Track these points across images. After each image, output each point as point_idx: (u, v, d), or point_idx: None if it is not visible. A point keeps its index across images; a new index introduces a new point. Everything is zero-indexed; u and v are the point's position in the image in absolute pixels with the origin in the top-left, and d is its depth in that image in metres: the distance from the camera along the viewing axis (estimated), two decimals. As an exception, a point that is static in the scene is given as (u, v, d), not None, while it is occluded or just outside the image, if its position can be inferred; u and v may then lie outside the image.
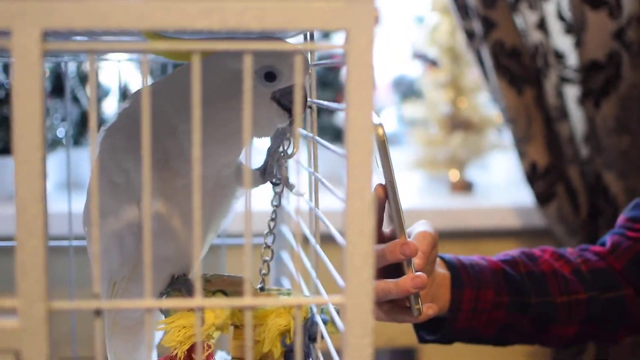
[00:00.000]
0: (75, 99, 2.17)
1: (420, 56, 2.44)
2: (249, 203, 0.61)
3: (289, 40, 1.05)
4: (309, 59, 0.97)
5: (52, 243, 1.02)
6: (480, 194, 2.24)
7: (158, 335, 0.97)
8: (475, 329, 1.11)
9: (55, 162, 2.13)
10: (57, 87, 2.14)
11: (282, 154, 0.97)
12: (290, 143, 0.97)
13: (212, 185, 0.96)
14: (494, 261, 1.15)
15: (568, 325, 1.15)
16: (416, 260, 0.98)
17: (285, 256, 1.27)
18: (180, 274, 0.99)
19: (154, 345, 1.02)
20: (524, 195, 2.07)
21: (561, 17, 1.90)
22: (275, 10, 0.55)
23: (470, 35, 1.93)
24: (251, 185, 0.99)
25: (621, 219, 1.24)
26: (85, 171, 2.13)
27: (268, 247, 1.04)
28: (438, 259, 1.10)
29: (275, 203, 1.03)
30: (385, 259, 0.96)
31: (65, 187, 2.14)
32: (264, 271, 1.04)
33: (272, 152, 0.97)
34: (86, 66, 2.14)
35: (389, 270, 0.98)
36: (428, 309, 1.01)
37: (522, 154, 1.92)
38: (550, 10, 1.90)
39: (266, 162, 0.98)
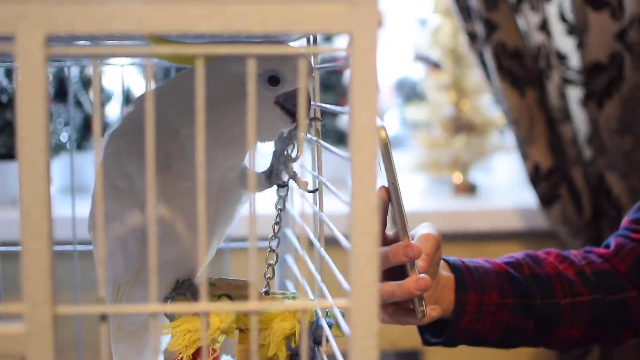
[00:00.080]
0: (78, 104, 2.18)
1: (422, 58, 2.44)
2: (253, 207, 0.61)
3: (292, 43, 1.05)
4: (312, 62, 0.97)
5: (56, 248, 1.02)
6: (484, 196, 2.24)
7: (164, 339, 0.97)
8: (479, 331, 1.11)
9: (58, 166, 2.13)
10: (60, 91, 2.14)
11: (288, 157, 0.97)
12: (294, 146, 0.97)
13: (217, 189, 0.96)
14: (498, 264, 1.14)
15: (572, 327, 1.15)
16: (420, 263, 0.98)
17: (290, 260, 1.27)
18: (185, 278, 0.99)
19: (160, 349, 1.01)
20: (527, 197, 2.07)
21: (563, 19, 1.90)
22: (278, 14, 0.55)
23: (472, 37, 1.93)
24: (256, 189, 0.99)
25: (625, 220, 1.24)
26: (89, 176, 2.13)
27: (272, 250, 1.04)
28: (442, 262, 1.10)
29: (279, 206, 1.03)
30: (388, 262, 0.96)
31: (68, 191, 2.14)
32: (268, 275, 1.04)
33: (278, 155, 0.97)
34: (89, 70, 2.14)
35: (393, 272, 0.98)
36: (432, 311, 1.01)
37: (525, 156, 1.92)
38: (552, 11, 1.90)
39: (272, 166, 0.98)
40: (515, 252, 1.19)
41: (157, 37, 0.86)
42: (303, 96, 0.61)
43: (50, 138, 0.54)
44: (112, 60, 1.32)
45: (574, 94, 1.93)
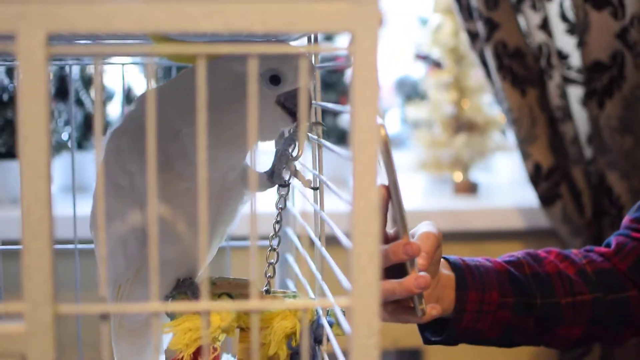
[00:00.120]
0: (79, 102, 2.18)
1: (423, 57, 2.44)
2: (254, 205, 0.61)
3: (293, 42, 1.05)
4: (313, 61, 0.97)
5: (57, 246, 1.02)
6: (485, 195, 2.24)
7: (165, 338, 0.97)
8: (479, 330, 1.11)
9: (59, 165, 2.13)
10: (61, 90, 2.14)
11: (289, 157, 0.97)
12: (295, 146, 0.97)
13: (218, 189, 0.96)
14: (499, 262, 1.14)
15: (573, 326, 1.15)
16: (420, 261, 0.98)
17: (291, 259, 1.27)
18: (186, 277, 0.99)
19: (161, 348, 1.02)
20: (528, 196, 2.07)
21: (564, 18, 1.90)
22: (279, 13, 0.55)
23: (473, 36, 1.93)
24: (258, 189, 0.99)
25: (626, 219, 1.24)
26: (90, 174, 2.13)
27: (273, 249, 1.05)
28: (443, 260, 1.10)
29: (280, 205, 1.03)
30: (388, 260, 0.96)
31: (69, 190, 2.14)
32: (269, 274, 1.04)
33: (279, 155, 0.97)
34: (90, 69, 2.14)
35: (393, 270, 0.98)
36: (432, 310, 1.01)
37: (526, 155, 1.92)
38: (553, 10, 1.90)
39: (274, 165, 0.98)
40: (515, 251, 1.19)
41: (158, 35, 0.86)
42: (304, 96, 0.61)
43: (51, 137, 0.54)
44: (113, 59, 1.32)
45: (575, 93, 1.93)
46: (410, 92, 2.54)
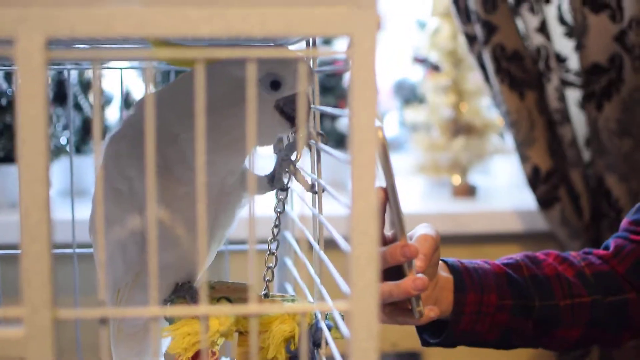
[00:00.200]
0: (78, 107, 2.18)
1: (421, 60, 2.44)
2: (253, 209, 0.61)
3: (291, 46, 1.05)
4: (312, 65, 0.97)
5: (56, 251, 1.02)
6: (483, 198, 2.24)
7: (164, 342, 0.97)
8: (478, 332, 1.11)
9: (58, 169, 2.13)
10: (59, 94, 2.14)
11: (289, 161, 0.97)
12: (294, 150, 0.97)
13: (216, 193, 0.96)
14: (497, 265, 1.14)
15: (571, 328, 1.15)
16: (417, 263, 0.98)
17: (289, 262, 1.27)
18: (184, 281, 0.99)
19: (160, 352, 1.02)
20: (526, 199, 2.07)
21: (562, 21, 1.90)
22: (278, 17, 0.55)
23: (471, 39, 1.93)
24: (257, 192, 1.00)
25: (625, 222, 1.24)
26: (88, 179, 2.13)
27: (272, 253, 1.05)
28: (441, 263, 1.10)
29: (279, 209, 1.03)
30: (386, 262, 0.96)
31: (68, 194, 2.14)
32: (268, 278, 1.04)
33: (280, 161, 0.97)
34: (88, 74, 2.14)
35: (391, 272, 0.98)
36: (430, 312, 1.01)
37: (524, 158, 1.92)
38: (551, 13, 1.90)
39: (274, 170, 0.98)
40: (514, 254, 1.19)
41: (158, 39, 0.86)
42: (302, 101, 0.61)
43: (50, 141, 0.54)
44: (112, 64, 1.32)
45: (573, 96, 1.93)
46: (409, 96, 2.54)
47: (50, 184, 0.55)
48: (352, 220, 0.56)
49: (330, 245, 0.84)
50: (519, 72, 1.88)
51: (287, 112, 0.91)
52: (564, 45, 1.91)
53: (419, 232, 1.03)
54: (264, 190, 1.00)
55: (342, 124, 2.29)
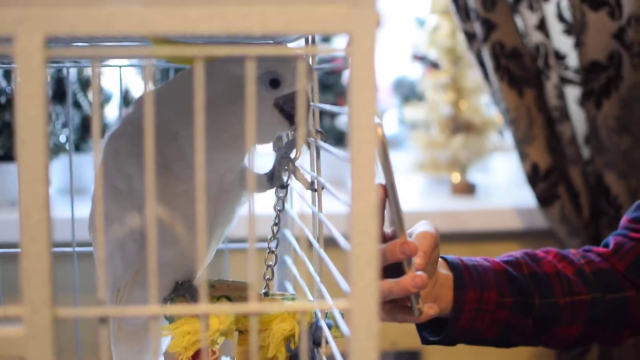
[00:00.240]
0: (77, 105, 2.17)
1: (420, 58, 2.44)
2: (253, 208, 0.61)
3: (290, 44, 1.05)
4: (311, 62, 0.97)
5: (55, 249, 1.02)
6: (482, 195, 2.24)
7: (164, 341, 0.97)
8: (478, 329, 1.11)
9: (57, 168, 2.13)
10: (58, 92, 2.14)
11: (289, 159, 0.97)
12: (293, 148, 0.97)
13: (216, 191, 0.96)
14: (497, 262, 1.14)
15: (571, 326, 1.15)
16: (417, 260, 0.97)
17: (289, 261, 1.27)
18: (184, 280, 0.99)
19: (160, 351, 1.02)
20: (525, 197, 2.07)
21: (561, 18, 1.90)
22: (278, 15, 0.55)
23: (470, 36, 1.93)
24: (257, 190, 1.00)
25: (624, 220, 1.24)
26: (88, 177, 2.13)
27: (272, 251, 1.05)
28: (440, 260, 1.10)
29: (278, 208, 1.03)
30: (385, 259, 0.96)
31: (67, 193, 2.14)
32: (267, 276, 1.04)
33: (280, 159, 0.97)
34: (87, 72, 2.14)
35: (390, 270, 0.97)
36: (429, 309, 1.01)
37: (523, 156, 1.92)
38: (550, 11, 1.90)
39: (274, 168, 0.98)
40: (514, 251, 1.19)
41: (157, 37, 0.86)
42: (302, 99, 0.61)
43: (49, 139, 0.54)
44: (111, 62, 1.32)
45: (572, 94, 1.93)
46: (408, 93, 2.54)
47: (49, 183, 0.55)
48: (352, 219, 0.56)
49: (330, 243, 0.84)
50: (518, 70, 1.87)
51: (286, 110, 0.91)
52: (563, 42, 1.91)
53: (418, 229, 1.03)
54: (263, 188, 1.00)
55: (342, 121, 2.29)
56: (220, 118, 0.89)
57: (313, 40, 0.99)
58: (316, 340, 0.94)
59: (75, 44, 1.01)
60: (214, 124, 0.87)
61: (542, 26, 1.87)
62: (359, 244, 0.57)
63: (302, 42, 1.04)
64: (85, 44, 1.03)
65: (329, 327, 0.93)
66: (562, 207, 1.91)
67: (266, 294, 1.04)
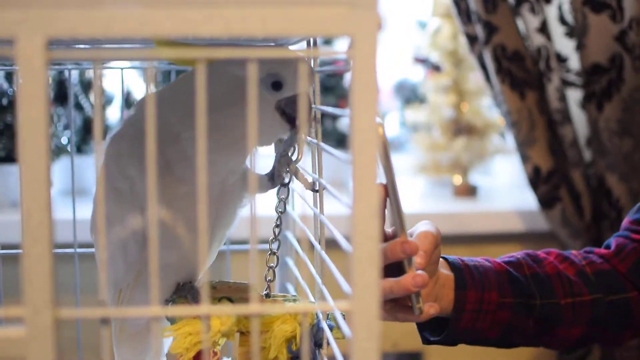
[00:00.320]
0: (79, 107, 2.18)
1: (422, 60, 2.44)
2: (254, 209, 0.61)
3: (292, 46, 1.05)
4: (313, 65, 0.97)
5: (57, 251, 1.02)
6: (484, 198, 2.24)
7: (166, 342, 0.97)
8: (479, 330, 1.11)
9: (59, 169, 2.13)
10: (60, 94, 2.14)
11: (289, 159, 0.97)
12: (295, 149, 0.97)
13: (217, 192, 0.96)
14: (498, 263, 1.14)
15: (572, 327, 1.15)
16: (418, 260, 0.97)
17: (290, 262, 1.27)
18: (185, 281, 0.99)
19: (162, 352, 1.02)
20: (527, 199, 2.07)
21: (563, 21, 1.90)
22: (279, 17, 0.55)
23: (472, 39, 1.93)
24: (259, 190, 1.00)
25: (626, 221, 1.24)
26: (89, 178, 2.13)
27: (273, 253, 1.05)
28: (442, 260, 1.10)
29: (280, 209, 1.03)
30: (386, 258, 0.96)
31: (69, 194, 2.14)
32: (269, 277, 1.04)
33: (279, 157, 0.97)
34: (89, 73, 2.14)
35: (391, 269, 0.97)
36: (430, 308, 1.01)
37: (525, 158, 1.92)
38: (552, 13, 1.90)
39: (274, 167, 0.98)
40: (515, 252, 1.19)
41: (161, 38, 0.86)
42: (304, 101, 0.61)
43: (51, 141, 0.54)
44: (112, 64, 1.32)
45: (574, 96, 1.93)
46: (410, 96, 2.54)
47: (51, 184, 0.55)
48: (353, 220, 0.56)
49: (331, 245, 0.84)
50: (520, 72, 1.88)
51: (288, 112, 0.91)
52: (564, 45, 1.91)
53: (419, 229, 1.03)
54: (265, 188, 1.00)
55: (343, 124, 2.29)
56: (222, 120, 0.89)
57: (315, 43, 0.99)
58: (317, 342, 0.95)
59: (76, 46, 1.01)
60: (215, 125, 0.87)
61: (543, 29, 1.87)
62: (361, 245, 0.57)
63: (303, 44, 1.04)
64: (87, 46, 1.03)
65: (331, 328, 0.93)
66: (563, 210, 1.91)
67: (267, 296, 1.04)
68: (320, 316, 0.95)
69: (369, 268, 0.57)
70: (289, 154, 0.97)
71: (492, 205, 2.16)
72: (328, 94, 2.28)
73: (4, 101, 1.98)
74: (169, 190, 0.92)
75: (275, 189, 1.02)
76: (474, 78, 2.23)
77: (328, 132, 2.29)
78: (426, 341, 1.14)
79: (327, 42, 2.21)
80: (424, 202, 2.23)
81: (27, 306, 0.55)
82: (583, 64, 1.83)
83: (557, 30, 1.90)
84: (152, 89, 0.60)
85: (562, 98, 1.89)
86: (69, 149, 2.00)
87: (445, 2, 2.19)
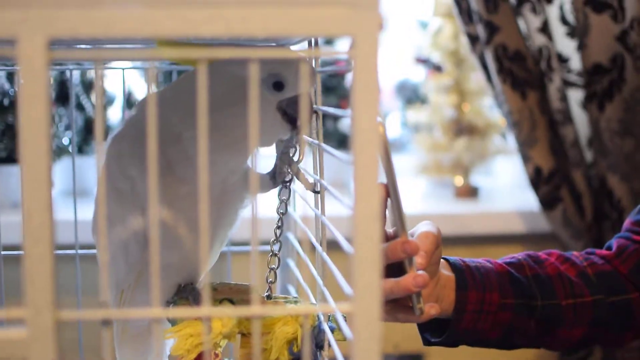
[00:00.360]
0: (80, 107, 2.18)
1: (423, 61, 2.44)
2: (256, 210, 0.61)
3: (293, 47, 1.05)
4: (314, 65, 0.97)
5: (58, 252, 1.02)
6: (485, 198, 2.24)
7: (168, 343, 0.97)
8: (480, 330, 1.11)
9: (60, 170, 2.13)
10: (61, 94, 2.14)
11: (291, 158, 0.97)
12: (296, 150, 0.97)
13: (218, 193, 0.96)
14: (499, 264, 1.14)
15: (574, 328, 1.15)
16: (418, 260, 0.97)
17: (292, 264, 1.27)
18: (187, 283, 0.99)
19: (163, 353, 1.02)
20: (528, 200, 2.07)
21: (564, 21, 1.90)
22: (280, 17, 0.55)
23: (473, 39, 1.93)
24: (261, 190, 1.00)
25: (627, 222, 1.24)
26: (91, 179, 2.13)
27: (274, 254, 1.04)
28: (443, 261, 1.09)
29: (281, 210, 1.03)
30: (387, 258, 0.96)
31: (70, 195, 2.14)
32: (270, 279, 1.04)
33: (281, 155, 0.97)
34: (90, 74, 2.14)
35: (392, 269, 0.97)
36: (430, 309, 1.01)
37: (526, 158, 1.92)
38: (553, 13, 1.90)
39: (276, 166, 0.98)
40: (516, 253, 1.19)
41: (162, 38, 0.86)
42: (305, 102, 0.61)
43: (52, 141, 0.54)
44: (114, 64, 1.32)
45: (575, 96, 1.93)
46: (411, 96, 2.53)
47: (52, 185, 0.55)
48: (354, 222, 0.56)
49: (332, 246, 0.84)
50: (521, 72, 1.87)
51: (289, 113, 0.91)
52: (565, 45, 1.90)
53: (420, 229, 1.03)
54: (266, 188, 1.00)
55: (345, 124, 2.29)
56: (223, 120, 0.89)
57: (316, 43, 0.99)
58: (319, 344, 0.94)
59: (78, 46, 1.01)
60: (217, 125, 0.87)
61: (545, 29, 1.87)
62: (362, 246, 0.57)
63: (305, 44, 1.04)
64: (88, 46, 1.03)
65: (332, 330, 0.93)
66: (564, 210, 1.91)
67: (269, 297, 1.04)
68: (322, 318, 0.94)
69: (370, 269, 0.57)
70: (290, 153, 0.97)
71: (493, 205, 2.16)
72: (329, 94, 2.27)
73: (5, 101, 1.98)
74: (170, 191, 0.92)
75: (277, 190, 1.02)
76: (475, 78, 2.23)
77: (329, 133, 2.29)
78: (427, 342, 1.14)
79: (329, 42, 2.21)
80: (425, 202, 2.23)
81: (28, 307, 0.55)
82: (584, 64, 1.83)
83: (558, 30, 1.90)
84: (154, 89, 0.60)
85: (564, 98, 1.89)
86: (70, 150, 1.99)
87: (447, 2, 2.19)
